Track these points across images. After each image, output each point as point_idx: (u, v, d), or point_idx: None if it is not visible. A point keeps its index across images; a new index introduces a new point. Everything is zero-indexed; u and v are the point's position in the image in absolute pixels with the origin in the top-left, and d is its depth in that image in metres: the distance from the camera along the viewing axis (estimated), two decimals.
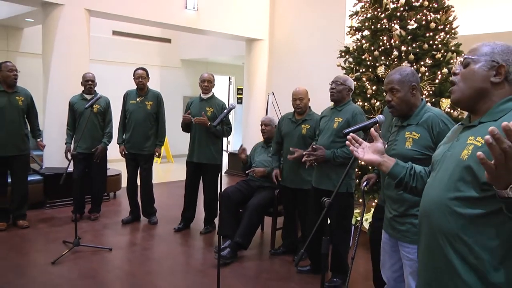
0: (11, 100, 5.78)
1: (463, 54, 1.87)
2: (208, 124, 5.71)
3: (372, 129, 2.27)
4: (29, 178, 6.33)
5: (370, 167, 5.31)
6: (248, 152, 5.96)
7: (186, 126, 6.00)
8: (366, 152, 2.17)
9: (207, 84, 5.95)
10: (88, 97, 6.30)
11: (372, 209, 5.85)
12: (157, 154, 6.32)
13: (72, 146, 6.23)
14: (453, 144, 1.85)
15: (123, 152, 6.34)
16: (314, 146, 4.29)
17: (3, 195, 6.02)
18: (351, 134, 2.22)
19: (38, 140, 6.04)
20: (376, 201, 5.62)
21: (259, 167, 5.57)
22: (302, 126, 4.97)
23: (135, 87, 6.43)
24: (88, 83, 6.28)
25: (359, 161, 5.38)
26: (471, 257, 1.63)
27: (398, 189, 2.30)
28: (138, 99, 6.29)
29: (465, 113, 1.92)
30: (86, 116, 5.93)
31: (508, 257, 1.58)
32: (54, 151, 6.80)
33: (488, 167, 1.34)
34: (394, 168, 2.18)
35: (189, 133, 6.08)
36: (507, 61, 1.74)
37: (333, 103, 4.55)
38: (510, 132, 1.26)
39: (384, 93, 3.09)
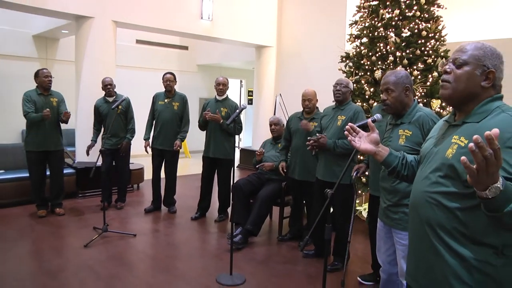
0: (47, 102, 5.89)
1: (450, 57, 1.83)
2: (220, 121, 5.74)
3: (369, 120, 2.25)
4: (64, 171, 6.42)
5: (361, 157, 5.33)
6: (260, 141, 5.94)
7: (204, 124, 6.03)
8: (363, 142, 2.16)
9: (222, 87, 5.98)
10: (110, 99, 6.38)
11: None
12: (175, 146, 6.29)
13: (95, 143, 6.37)
14: (439, 141, 1.84)
15: (146, 148, 6.40)
16: (318, 135, 4.33)
17: (43, 186, 6.14)
18: (349, 124, 2.20)
19: (64, 111, 5.86)
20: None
21: (268, 162, 5.61)
22: (310, 123, 4.98)
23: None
24: (107, 87, 6.34)
25: (358, 156, 5.43)
26: (453, 243, 1.67)
27: (391, 177, 2.29)
28: (166, 100, 6.33)
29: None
30: (112, 116, 6.04)
31: (483, 242, 1.61)
32: (85, 147, 6.85)
33: (470, 171, 1.36)
34: (388, 158, 2.18)
35: (205, 131, 6.12)
36: (495, 66, 1.72)
37: (335, 103, 4.58)
38: (491, 141, 1.27)
39: (381, 93, 3.11)
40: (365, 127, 2.71)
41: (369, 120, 2.25)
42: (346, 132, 2.19)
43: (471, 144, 1.30)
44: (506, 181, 1.40)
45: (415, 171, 2.12)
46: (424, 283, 1.81)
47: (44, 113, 5.55)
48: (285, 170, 5.25)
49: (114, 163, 6.54)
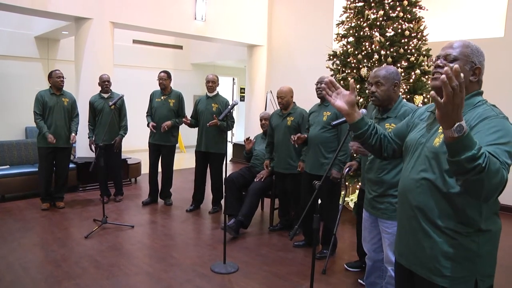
0: (58, 101, 5.95)
1: (440, 53, 1.89)
2: (219, 123, 5.71)
3: (352, 80, 2.10)
4: None
5: (355, 155, 5.34)
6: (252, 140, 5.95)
7: (195, 122, 6.06)
8: (339, 99, 2.04)
9: (211, 84, 5.95)
10: (105, 95, 6.35)
11: (357, 191, 5.90)
12: (163, 125, 6.12)
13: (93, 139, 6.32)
14: (425, 133, 1.91)
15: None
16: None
17: (51, 180, 6.13)
18: (329, 78, 2.08)
19: (72, 134, 6.03)
20: (360, 184, 5.66)
21: (259, 155, 5.66)
22: (287, 118, 5.02)
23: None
24: (105, 83, 6.31)
25: (351, 153, 5.43)
26: (441, 225, 1.76)
27: (356, 141, 2.21)
28: (162, 98, 6.30)
29: None
30: (107, 113, 6.12)
31: (469, 222, 1.72)
32: (85, 144, 6.81)
33: (438, 103, 1.42)
34: (359, 122, 2.08)
35: (197, 127, 6.11)
36: (481, 63, 1.82)
37: (319, 100, 4.60)
38: (457, 73, 1.36)
39: (370, 86, 3.10)
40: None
41: (351, 81, 2.06)
42: (323, 85, 2.08)
43: (443, 76, 1.37)
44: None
45: (383, 145, 2.19)
46: (413, 261, 1.90)
47: (49, 138, 5.74)
48: (269, 168, 5.32)
49: (107, 158, 6.46)
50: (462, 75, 1.38)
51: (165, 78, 6.25)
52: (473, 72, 1.80)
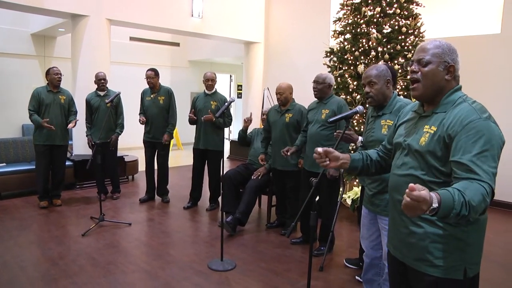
0: (55, 98, 5.93)
1: (414, 58, 1.98)
2: (214, 119, 5.70)
3: (320, 149, 2.19)
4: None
5: (352, 152, 5.34)
6: (250, 130, 5.96)
7: (192, 122, 6.02)
8: (329, 161, 2.19)
9: (210, 82, 5.93)
10: (101, 93, 6.32)
11: (354, 188, 5.91)
12: (164, 140, 6.22)
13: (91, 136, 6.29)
14: (411, 131, 1.97)
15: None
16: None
17: (48, 178, 6.10)
18: (318, 150, 2.16)
19: (70, 124, 5.91)
20: (357, 180, 5.66)
21: (258, 152, 5.61)
22: (286, 115, 4.98)
23: None
24: (101, 81, 6.28)
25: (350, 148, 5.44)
26: (430, 217, 1.76)
27: (360, 177, 2.36)
28: (152, 96, 6.27)
29: None
30: (104, 110, 6.10)
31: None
32: (82, 141, 6.81)
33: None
34: (351, 165, 2.25)
35: (196, 125, 6.08)
36: (454, 60, 1.88)
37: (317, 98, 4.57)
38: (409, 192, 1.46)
39: (363, 87, 3.10)
40: (347, 118, 2.71)
41: (319, 149, 2.20)
42: (315, 155, 2.18)
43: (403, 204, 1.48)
44: (448, 187, 1.57)
45: (382, 165, 2.30)
46: (406, 253, 1.97)
47: (44, 123, 5.63)
48: (264, 163, 5.31)
49: (104, 156, 6.42)
50: (413, 194, 1.44)
51: (152, 76, 6.21)
52: (447, 71, 1.87)
